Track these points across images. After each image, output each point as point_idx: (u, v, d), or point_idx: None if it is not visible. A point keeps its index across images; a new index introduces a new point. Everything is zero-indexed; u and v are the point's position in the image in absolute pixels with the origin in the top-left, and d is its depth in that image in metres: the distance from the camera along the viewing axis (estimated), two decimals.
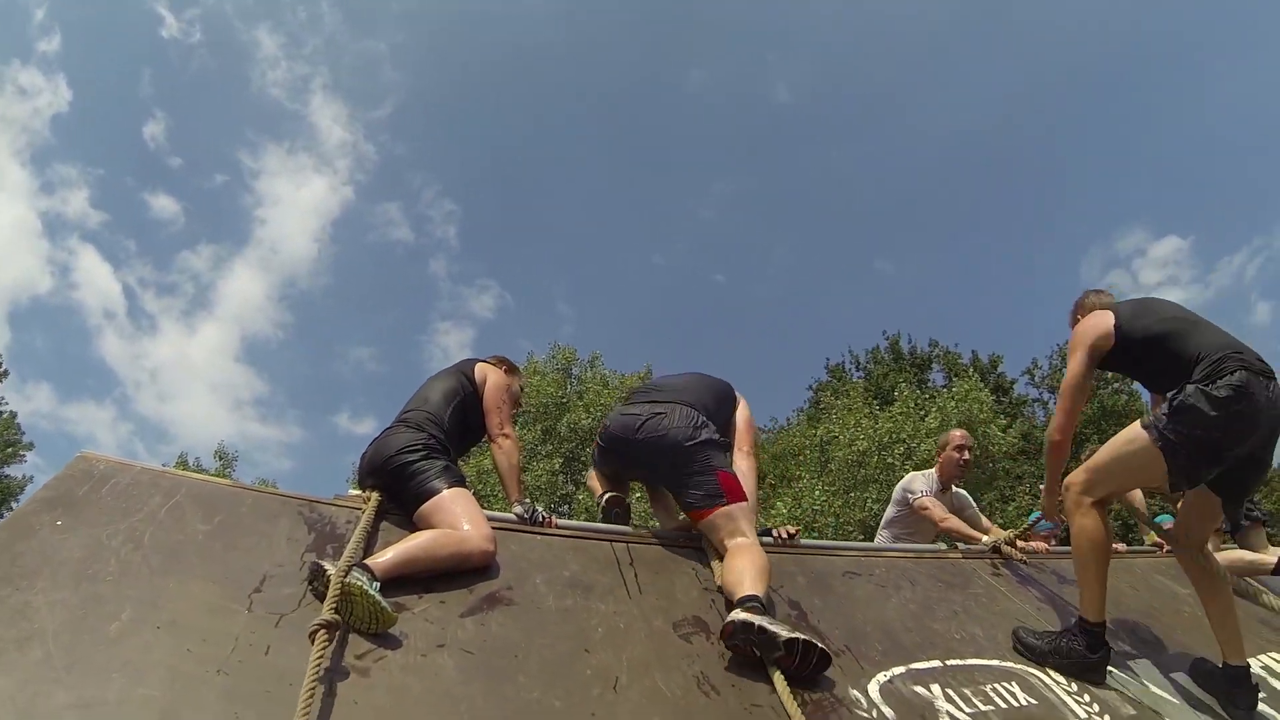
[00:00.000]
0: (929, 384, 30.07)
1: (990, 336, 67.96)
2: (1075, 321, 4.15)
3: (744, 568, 3.13)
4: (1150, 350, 3.61)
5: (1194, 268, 49.30)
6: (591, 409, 23.73)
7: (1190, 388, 3.30)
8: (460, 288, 58.88)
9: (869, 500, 20.02)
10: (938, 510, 5.79)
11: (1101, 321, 3.75)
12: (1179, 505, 3.99)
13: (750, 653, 2.76)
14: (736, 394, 4.31)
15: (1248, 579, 5.30)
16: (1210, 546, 5.20)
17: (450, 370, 4.02)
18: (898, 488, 6.37)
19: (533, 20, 64.74)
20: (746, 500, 3.56)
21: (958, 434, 6.27)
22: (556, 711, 2.32)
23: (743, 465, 3.94)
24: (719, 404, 4.07)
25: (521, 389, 4.39)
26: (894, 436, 21.65)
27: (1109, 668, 3.52)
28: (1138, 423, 3.49)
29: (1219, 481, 3.54)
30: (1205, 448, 3.30)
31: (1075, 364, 3.81)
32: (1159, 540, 5.52)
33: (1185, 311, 3.74)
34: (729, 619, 2.81)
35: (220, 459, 28.43)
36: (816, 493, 20.80)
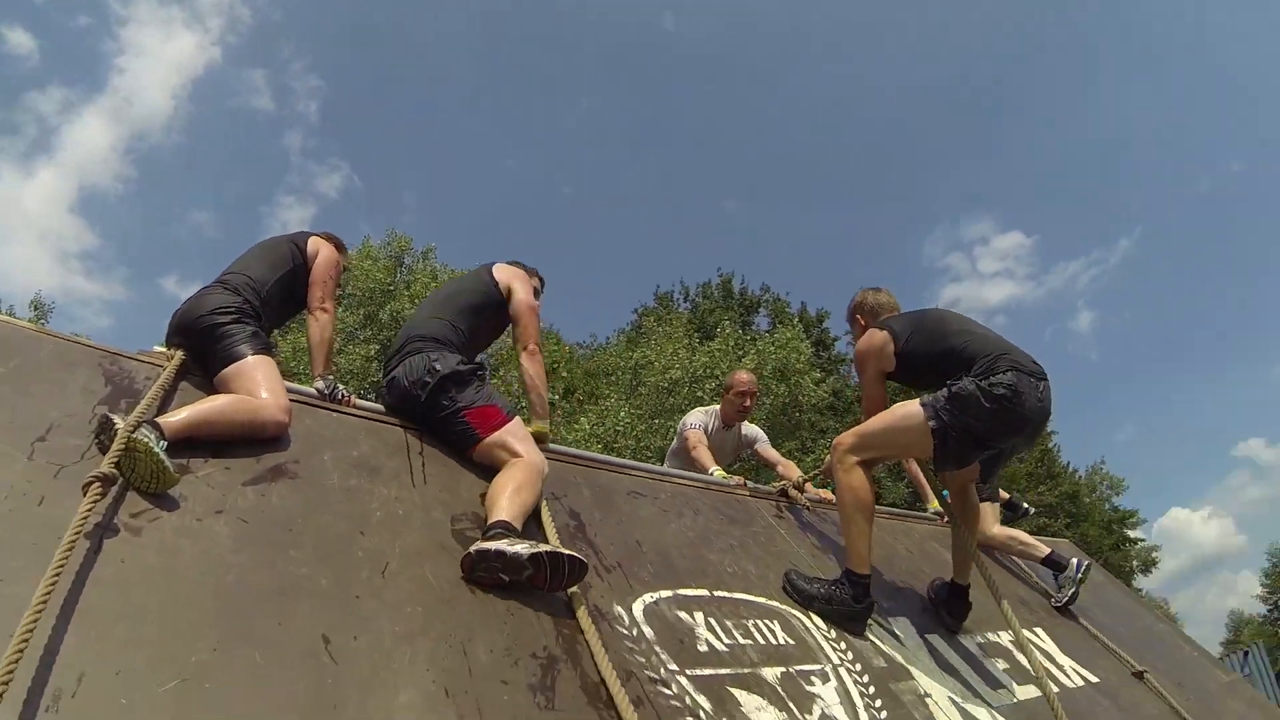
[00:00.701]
0: (753, 326, 30.92)
1: (822, 292, 70.37)
2: (853, 320, 4.49)
3: (497, 492, 3.11)
4: (930, 365, 3.87)
5: (1031, 265, 52.59)
6: (417, 300, 23.39)
7: (967, 380, 3.58)
8: (311, 164, 57.02)
9: (671, 429, 20.55)
10: (693, 437, 6.14)
11: (880, 345, 4.02)
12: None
13: (498, 580, 2.75)
14: (499, 281, 4.13)
15: (1015, 558, 5.97)
16: (993, 514, 5.84)
17: (281, 239, 3.99)
18: (680, 421, 6.69)
19: None
20: (506, 420, 3.51)
21: (744, 378, 6.52)
22: (322, 590, 2.39)
23: (525, 365, 3.98)
24: (467, 315, 3.95)
25: (346, 269, 4.40)
26: (708, 371, 22.29)
27: (871, 620, 3.83)
28: (916, 400, 3.73)
29: (985, 461, 3.91)
30: (974, 437, 3.61)
31: (868, 386, 4.11)
32: (940, 510, 6.08)
33: (961, 323, 3.99)
34: (466, 551, 2.79)
35: (35, 309, 26.52)
36: (621, 414, 21.24)
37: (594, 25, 63.48)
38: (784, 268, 65.52)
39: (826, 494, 5.41)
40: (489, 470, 3.41)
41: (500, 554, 2.72)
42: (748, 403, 6.50)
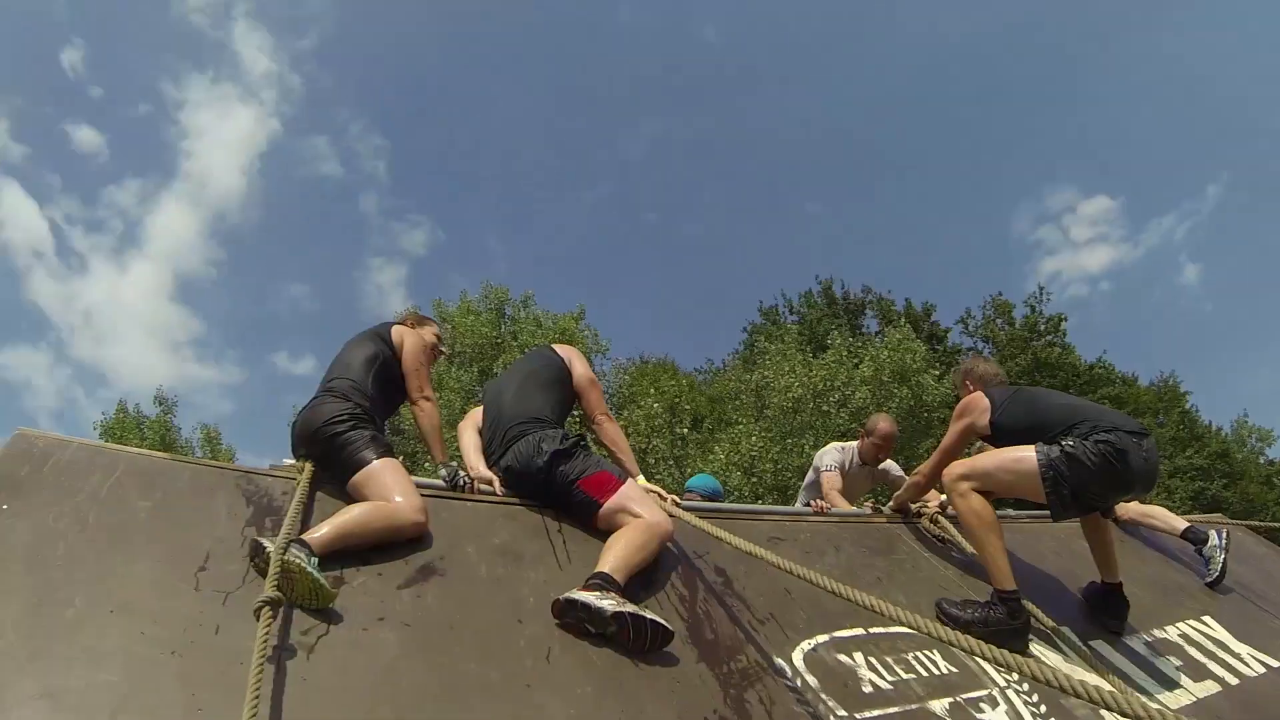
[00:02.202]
0: (862, 330, 30.45)
1: (923, 285, 69.31)
2: (963, 384, 4.77)
3: (607, 547, 3.18)
4: (1023, 433, 4.00)
5: (1124, 227, 50.54)
6: (526, 348, 23.69)
7: (1072, 440, 3.76)
8: (392, 223, 58.29)
9: (805, 447, 20.43)
10: (828, 481, 6.11)
11: (980, 408, 4.24)
12: None
13: (584, 630, 2.77)
14: (564, 358, 4.29)
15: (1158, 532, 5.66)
16: None
17: (367, 334, 4.05)
18: (816, 455, 6.62)
19: None
20: (620, 484, 3.55)
21: (885, 429, 6.45)
22: (493, 684, 2.42)
23: (607, 431, 4.08)
24: (549, 391, 4.06)
25: (438, 336, 4.45)
26: (828, 384, 22.01)
27: (1031, 635, 3.71)
28: (1031, 448, 3.83)
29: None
30: (1085, 493, 3.76)
31: (953, 434, 4.34)
32: None
33: (1055, 397, 4.27)
34: (558, 597, 2.84)
35: (160, 404, 27.88)
36: (754, 438, 21.10)
37: (638, 48, 64.13)
38: (879, 265, 64.68)
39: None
40: None
41: (586, 606, 2.77)
42: (884, 454, 6.48)
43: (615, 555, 3.08)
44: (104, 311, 51.98)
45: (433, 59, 66.32)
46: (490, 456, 3.90)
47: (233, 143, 55.63)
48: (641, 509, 3.43)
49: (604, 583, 2.90)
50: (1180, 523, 5.64)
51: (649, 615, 2.80)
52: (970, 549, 4.25)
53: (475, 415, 4.27)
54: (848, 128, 61.53)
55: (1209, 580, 5.28)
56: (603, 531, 3.45)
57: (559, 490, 3.56)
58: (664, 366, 30.67)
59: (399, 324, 4.16)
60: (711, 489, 6.44)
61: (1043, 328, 31.00)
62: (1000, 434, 4.15)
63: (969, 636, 3.41)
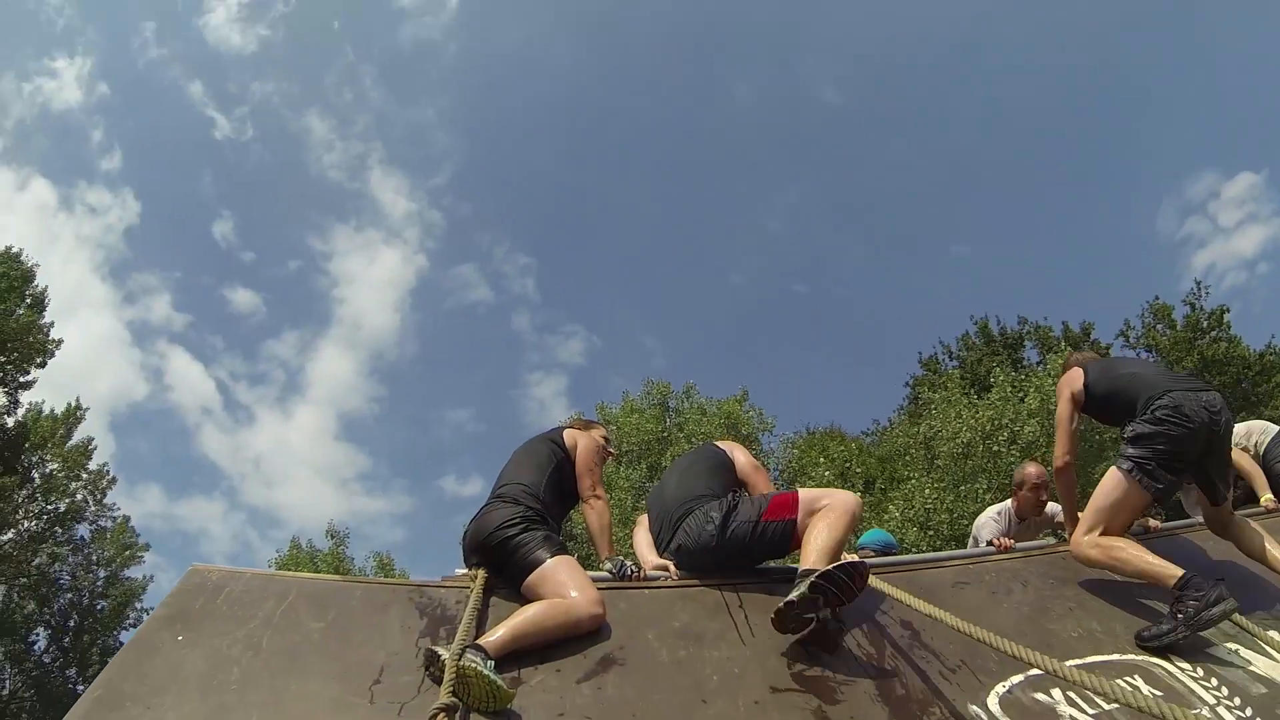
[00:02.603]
0: (1024, 363, 29.33)
1: (1078, 304, 66.35)
2: (1066, 368, 4.98)
3: (806, 543, 3.37)
4: (1110, 399, 4.36)
5: (1273, 200, 46.85)
6: (693, 439, 23.54)
7: (1136, 421, 4.01)
8: (546, 337, 59.41)
9: (980, 491, 19.57)
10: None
11: (1074, 376, 4.59)
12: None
13: (806, 623, 3.00)
14: (724, 449, 4.44)
15: None
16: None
17: (540, 439, 4.10)
18: (974, 528, 6.41)
19: (567, 63, 65.53)
20: (792, 493, 3.68)
21: (1032, 472, 6.15)
22: None
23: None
24: (712, 476, 4.13)
25: (606, 438, 4.46)
26: (996, 424, 21.19)
27: (1234, 645, 3.46)
28: (1114, 468, 4.07)
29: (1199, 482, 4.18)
30: (1163, 459, 3.89)
31: (1061, 408, 4.63)
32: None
33: (1133, 365, 4.88)
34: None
35: (332, 538, 28.96)
36: (926, 491, 20.45)
37: (761, 121, 64.29)
38: (1033, 292, 62.08)
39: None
40: None
41: (791, 603, 2.94)
42: (1044, 496, 6.06)
43: (811, 545, 3.30)
44: (272, 457, 54.79)
45: (564, 172, 68.27)
46: (660, 546, 3.92)
47: (382, 283, 58.65)
48: (825, 500, 3.56)
49: (804, 576, 3.07)
50: None
51: (832, 566, 3.01)
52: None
53: (645, 520, 4.32)
54: (977, 166, 60.12)
55: None
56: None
57: (741, 546, 3.60)
58: (831, 434, 30.12)
59: (569, 428, 4.20)
60: (885, 542, 6.12)
61: (1205, 324, 29.12)
62: (1091, 399, 4.45)
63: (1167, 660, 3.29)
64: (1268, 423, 6.23)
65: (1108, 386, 4.41)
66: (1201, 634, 3.40)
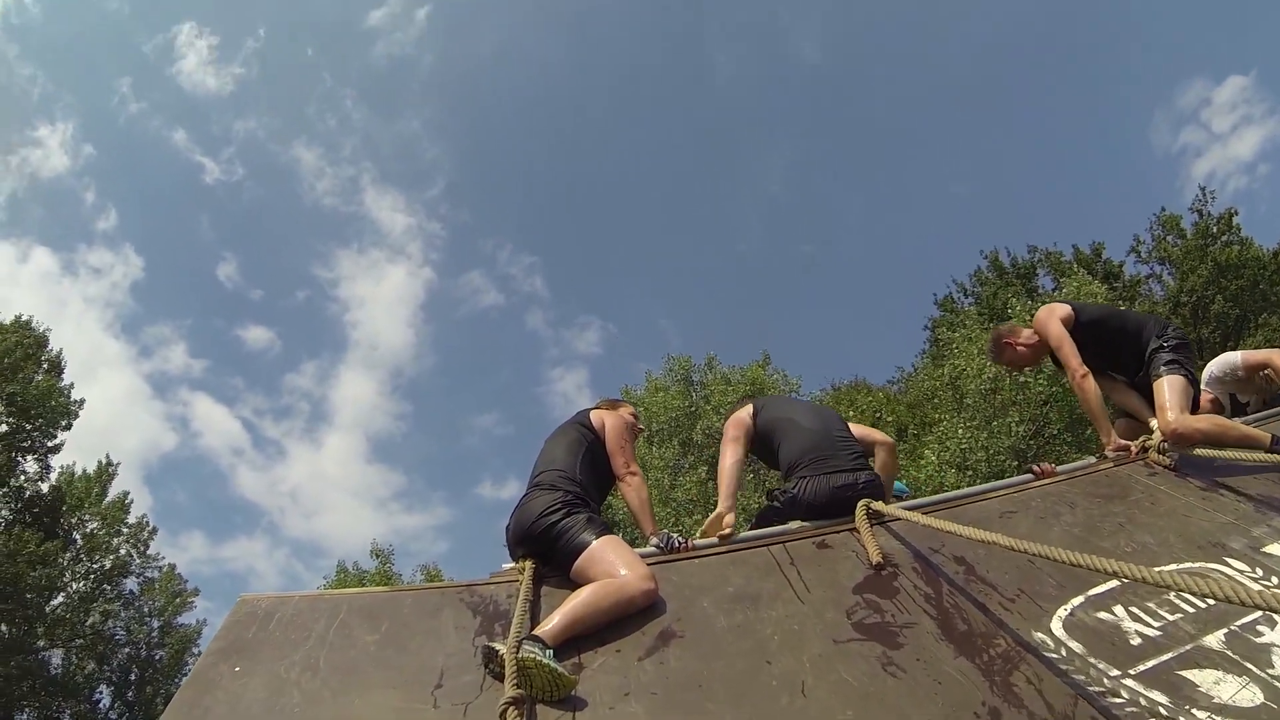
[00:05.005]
0: (1039, 290, 29.10)
1: (1085, 227, 65.50)
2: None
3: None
4: (1109, 331, 4.83)
5: (1266, 99, 45.95)
6: (721, 409, 23.40)
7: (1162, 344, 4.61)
8: (562, 332, 59.59)
9: (1012, 425, 19.46)
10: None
11: (1052, 307, 4.94)
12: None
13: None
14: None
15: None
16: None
17: (568, 424, 4.09)
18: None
19: (545, 58, 65.72)
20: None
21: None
22: None
23: None
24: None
25: (634, 415, 4.45)
26: None
27: None
28: (1164, 376, 4.46)
29: None
30: (1190, 356, 4.63)
31: (1051, 331, 4.83)
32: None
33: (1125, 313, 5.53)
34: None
35: (377, 557, 28.98)
36: (959, 432, 20.30)
37: (747, 88, 63.81)
38: (1039, 220, 61.53)
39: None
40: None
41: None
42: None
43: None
44: (308, 488, 55.52)
45: (557, 166, 68.23)
46: (802, 465, 4.04)
47: (392, 301, 59.15)
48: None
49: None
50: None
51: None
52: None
53: (743, 419, 4.50)
54: (963, 102, 59.41)
55: None
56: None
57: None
58: (858, 386, 30.10)
59: (596, 409, 4.18)
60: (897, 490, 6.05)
61: (1215, 229, 28.78)
62: (1084, 325, 4.83)
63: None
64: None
65: (1107, 320, 5.00)
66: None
